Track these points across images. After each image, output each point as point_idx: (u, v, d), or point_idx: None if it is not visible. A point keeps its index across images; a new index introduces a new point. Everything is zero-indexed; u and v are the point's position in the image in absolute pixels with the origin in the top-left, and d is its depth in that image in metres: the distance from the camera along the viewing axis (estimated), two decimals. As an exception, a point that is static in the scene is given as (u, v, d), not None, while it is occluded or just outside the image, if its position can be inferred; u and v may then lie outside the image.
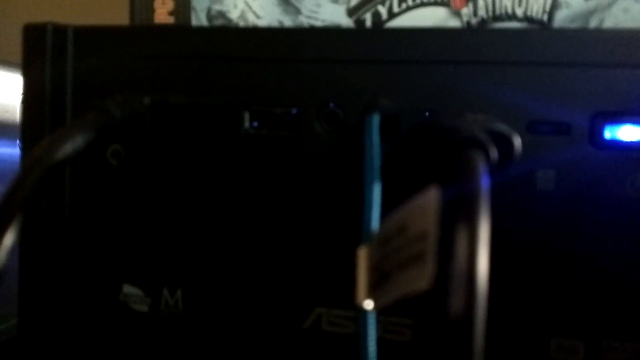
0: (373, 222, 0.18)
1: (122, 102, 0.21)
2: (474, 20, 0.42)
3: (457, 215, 0.14)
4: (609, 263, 0.21)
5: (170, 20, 0.45)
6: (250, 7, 0.45)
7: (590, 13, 0.41)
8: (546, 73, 0.21)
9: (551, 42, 0.21)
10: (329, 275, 0.22)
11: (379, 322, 0.21)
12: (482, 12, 0.42)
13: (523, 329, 0.21)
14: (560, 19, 0.41)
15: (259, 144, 0.23)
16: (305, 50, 0.22)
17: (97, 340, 0.24)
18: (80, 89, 0.24)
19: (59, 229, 0.24)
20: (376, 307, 0.16)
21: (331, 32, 0.23)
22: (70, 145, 0.17)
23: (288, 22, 0.45)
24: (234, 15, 0.45)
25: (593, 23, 0.41)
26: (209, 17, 0.45)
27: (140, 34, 0.24)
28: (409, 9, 0.43)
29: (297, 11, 0.44)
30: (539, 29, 0.40)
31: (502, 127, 0.19)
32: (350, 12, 0.44)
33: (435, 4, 0.43)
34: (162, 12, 0.45)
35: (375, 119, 0.20)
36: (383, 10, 0.44)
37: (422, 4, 0.43)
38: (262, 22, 0.45)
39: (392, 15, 0.44)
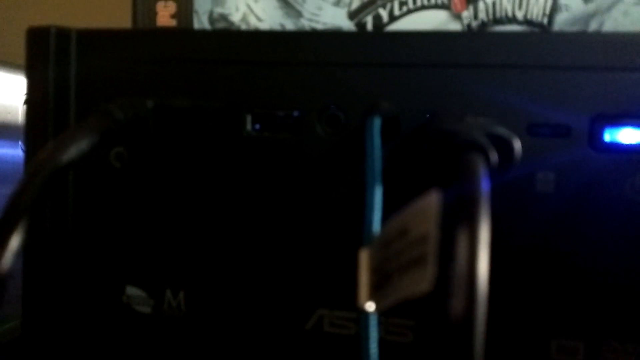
0: (374, 224, 0.18)
1: (126, 105, 0.21)
2: (474, 23, 0.42)
3: (458, 218, 0.14)
4: (609, 265, 0.21)
5: (173, 23, 0.45)
6: (252, 10, 0.45)
7: (590, 16, 0.41)
8: (546, 76, 0.21)
9: (551, 46, 0.21)
10: (331, 277, 0.22)
11: (380, 323, 0.22)
12: (482, 15, 0.42)
13: (524, 329, 0.21)
14: (560, 21, 0.42)
15: (261, 146, 0.23)
16: (307, 54, 0.23)
17: (100, 341, 0.25)
18: (83, 92, 0.24)
19: (62, 230, 0.24)
20: (378, 309, 0.16)
21: (332, 35, 0.23)
22: (75, 149, 0.17)
23: (289, 25, 0.45)
24: (235, 18, 0.45)
25: (593, 26, 0.41)
26: (211, 20, 0.45)
27: (143, 37, 0.24)
28: (409, 12, 0.43)
29: (299, 14, 0.44)
30: (539, 33, 0.40)
31: (502, 130, 0.19)
32: (352, 15, 0.44)
33: (436, 7, 0.43)
34: (165, 14, 0.45)
35: (377, 122, 0.20)
36: (384, 14, 0.44)
37: (423, 7, 0.43)
38: (264, 25, 0.45)
39: (393, 18, 0.44)
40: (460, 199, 0.14)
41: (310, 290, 0.23)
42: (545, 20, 0.42)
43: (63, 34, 0.24)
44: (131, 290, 0.24)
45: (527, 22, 0.42)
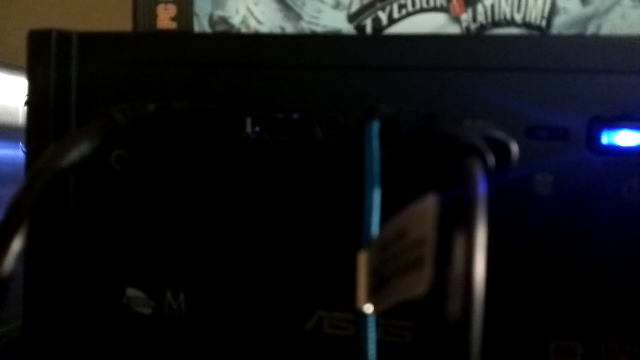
0: (373, 227, 0.18)
1: (127, 108, 0.21)
2: (473, 26, 0.43)
3: (455, 221, 0.14)
4: (607, 266, 0.21)
5: (173, 25, 0.45)
6: (252, 13, 0.45)
7: (588, 19, 0.41)
8: (544, 79, 0.21)
9: (549, 48, 0.21)
10: (330, 278, 0.22)
11: (378, 324, 0.22)
12: (481, 18, 0.43)
13: (522, 330, 0.21)
14: (559, 24, 0.42)
15: (261, 148, 0.23)
16: (307, 56, 0.23)
17: (101, 342, 0.25)
18: (83, 94, 0.24)
19: (63, 232, 0.25)
20: (376, 310, 0.16)
21: (332, 38, 0.23)
22: (76, 152, 0.18)
23: (289, 27, 0.45)
24: (235, 20, 0.45)
25: (591, 29, 0.41)
26: (211, 22, 0.46)
27: (144, 40, 0.25)
28: (408, 14, 0.44)
29: (298, 17, 0.45)
30: (538, 35, 0.40)
31: (499, 133, 0.19)
32: (351, 18, 0.44)
33: (435, 9, 0.43)
34: (165, 17, 0.45)
35: (376, 125, 0.20)
36: (383, 16, 0.44)
37: (422, 10, 0.43)
38: (264, 28, 0.45)
39: (392, 21, 0.44)
40: (457, 202, 0.15)
41: (310, 292, 0.23)
42: (544, 23, 0.42)
43: (64, 36, 0.24)
44: (132, 292, 0.24)
45: (526, 24, 0.42)
